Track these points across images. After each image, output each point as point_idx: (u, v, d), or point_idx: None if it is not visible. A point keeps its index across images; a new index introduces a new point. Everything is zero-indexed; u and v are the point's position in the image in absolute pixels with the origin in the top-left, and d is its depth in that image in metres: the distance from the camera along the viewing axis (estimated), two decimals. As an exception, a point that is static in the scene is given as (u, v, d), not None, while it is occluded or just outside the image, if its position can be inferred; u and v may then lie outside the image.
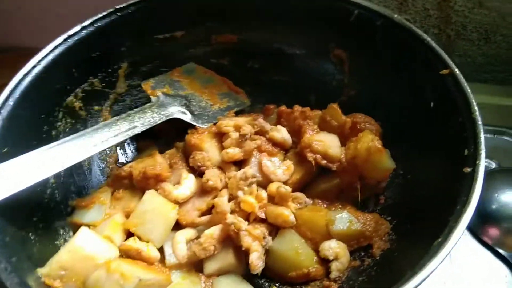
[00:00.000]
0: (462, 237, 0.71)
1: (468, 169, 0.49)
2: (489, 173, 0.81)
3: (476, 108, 0.53)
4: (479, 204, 0.74)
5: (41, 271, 0.52)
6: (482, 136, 0.51)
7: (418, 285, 0.42)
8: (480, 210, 0.74)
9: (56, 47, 0.63)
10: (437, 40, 0.96)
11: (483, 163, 0.49)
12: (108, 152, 0.76)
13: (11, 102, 0.57)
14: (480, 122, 0.52)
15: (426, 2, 0.90)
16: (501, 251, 0.71)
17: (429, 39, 0.61)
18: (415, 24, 0.94)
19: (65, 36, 0.64)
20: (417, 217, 0.59)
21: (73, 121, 0.68)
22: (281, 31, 0.76)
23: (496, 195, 0.75)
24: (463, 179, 0.49)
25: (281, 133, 0.71)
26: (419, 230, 0.54)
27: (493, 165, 0.82)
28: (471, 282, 0.69)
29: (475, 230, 0.74)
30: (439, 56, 0.59)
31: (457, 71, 0.57)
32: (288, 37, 0.77)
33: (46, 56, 0.62)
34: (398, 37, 0.65)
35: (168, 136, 0.76)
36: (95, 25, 0.66)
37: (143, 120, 0.67)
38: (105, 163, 0.75)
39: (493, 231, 0.73)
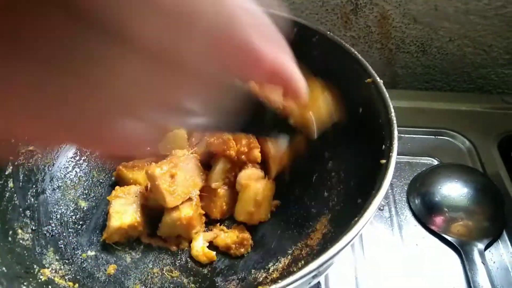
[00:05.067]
0: (413, 227, 0.80)
1: (384, 161, 0.56)
2: (432, 169, 0.88)
3: (392, 110, 0.60)
4: (426, 196, 0.83)
5: None
6: (395, 133, 0.58)
7: (331, 257, 0.47)
8: (426, 202, 0.82)
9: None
10: (381, 53, 1.05)
11: (395, 155, 0.55)
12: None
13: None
14: (395, 122, 0.59)
15: (367, 20, 0.99)
16: (447, 237, 0.77)
17: (356, 52, 0.69)
18: (359, 40, 1.04)
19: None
20: (346, 209, 0.64)
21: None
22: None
23: (439, 187, 0.82)
24: (380, 169, 0.55)
25: None
26: (347, 218, 0.58)
27: (435, 162, 0.90)
28: (422, 265, 0.74)
29: (423, 220, 0.80)
30: (364, 67, 0.67)
31: (378, 79, 0.64)
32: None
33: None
34: (331, 51, 0.72)
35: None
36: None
37: None
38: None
39: (439, 220, 0.79)
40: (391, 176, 0.53)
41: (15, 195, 0.64)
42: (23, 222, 0.62)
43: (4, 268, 0.49)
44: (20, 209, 0.63)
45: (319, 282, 0.71)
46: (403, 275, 0.73)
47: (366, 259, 0.75)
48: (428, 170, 0.87)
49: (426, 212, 0.81)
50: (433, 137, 0.94)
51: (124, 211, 0.66)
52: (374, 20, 0.99)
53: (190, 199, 0.68)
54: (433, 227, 0.79)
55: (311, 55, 0.74)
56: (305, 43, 0.74)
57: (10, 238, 0.58)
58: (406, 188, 0.85)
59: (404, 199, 0.84)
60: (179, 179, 0.66)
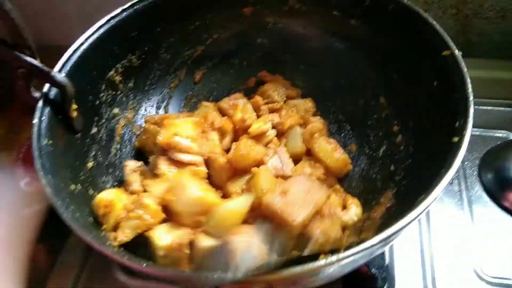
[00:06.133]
0: (484, 203, 0.76)
1: (456, 139, 0.54)
2: (507, 143, 0.83)
3: (469, 86, 0.57)
4: (499, 171, 0.79)
5: None
6: (471, 110, 0.55)
7: (395, 233, 0.46)
8: (499, 177, 0.79)
9: (100, 26, 0.69)
10: (455, 20, 0.99)
11: (468, 133, 0.53)
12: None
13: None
14: (471, 99, 0.56)
15: (442, -18, 0.93)
16: (521, 214, 0.74)
17: (434, 22, 0.65)
18: (432, 5, 0.98)
19: (108, 17, 0.70)
20: (413, 184, 0.63)
21: (113, 92, 0.74)
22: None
23: (514, 163, 0.78)
24: (451, 147, 0.53)
25: None
26: (413, 193, 0.56)
27: (511, 136, 0.85)
28: (494, 244, 0.72)
29: (496, 196, 0.77)
30: (442, 38, 0.63)
31: (456, 52, 0.61)
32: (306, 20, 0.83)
33: (92, 34, 0.68)
34: (407, 20, 0.69)
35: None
36: (134, 7, 0.73)
37: None
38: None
39: (512, 196, 0.76)
40: (463, 155, 0.51)
41: (99, 152, 0.70)
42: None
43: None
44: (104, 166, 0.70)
45: (383, 253, 0.71)
46: (472, 254, 0.71)
47: (432, 234, 0.74)
48: (503, 144, 0.83)
49: (500, 188, 0.77)
50: (510, 109, 0.89)
51: None
52: (449, -18, 0.93)
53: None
54: (506, 204, 0.75)
55: (386, 25, 0.72)
56: (379, 12, 0.72)
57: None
58: (478, 162, 0.82)
59: (475, 173, 0.81)
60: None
